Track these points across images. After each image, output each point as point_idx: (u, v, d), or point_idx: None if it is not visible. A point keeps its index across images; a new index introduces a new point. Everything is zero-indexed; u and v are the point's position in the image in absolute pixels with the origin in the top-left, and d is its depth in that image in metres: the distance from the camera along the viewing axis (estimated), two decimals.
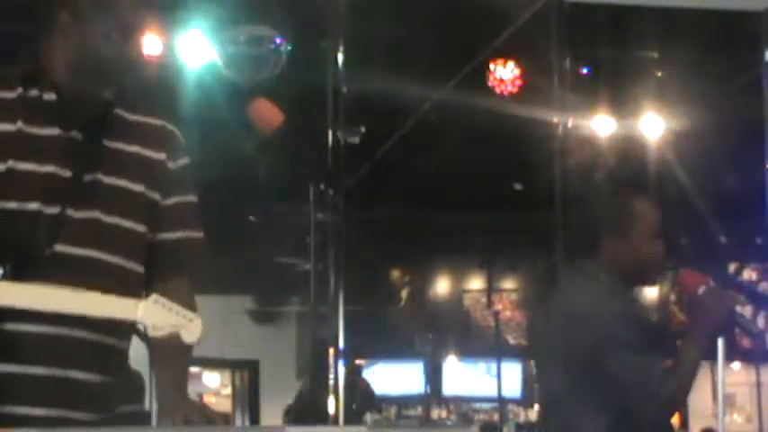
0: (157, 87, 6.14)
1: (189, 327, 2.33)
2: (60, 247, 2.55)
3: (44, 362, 2.54)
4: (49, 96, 2.63)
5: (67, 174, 2.59)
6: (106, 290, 2.51)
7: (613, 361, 3.56)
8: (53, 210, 2.56)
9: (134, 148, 2.67)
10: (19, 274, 2.47)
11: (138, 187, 2.65)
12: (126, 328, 2.60)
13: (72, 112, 2.63)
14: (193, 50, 6.74)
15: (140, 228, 2.66)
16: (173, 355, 2.57)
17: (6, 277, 2.46)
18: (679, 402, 3.63)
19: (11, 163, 2.57)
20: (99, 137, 2.64)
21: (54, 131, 2.61)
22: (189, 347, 2.64)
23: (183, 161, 2.74)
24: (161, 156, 2.70)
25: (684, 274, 3.70)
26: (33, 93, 2.64)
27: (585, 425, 3.64)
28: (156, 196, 2.68)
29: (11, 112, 2.61)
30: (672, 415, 3.66)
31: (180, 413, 2.45)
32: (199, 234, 2.76)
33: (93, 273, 2.55)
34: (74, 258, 2.55)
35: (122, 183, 2.64)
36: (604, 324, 3.61)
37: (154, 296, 2.35)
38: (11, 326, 2.51)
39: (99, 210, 2.60)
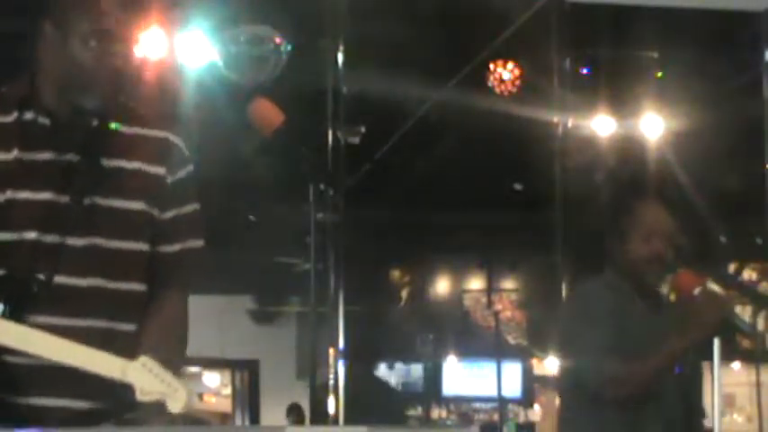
0: (155, 94, 6.13)
1: (174, 396, 2.33)
2: (61, 279, 2.53)
3: (50, 392, 2.53)
4: (44, 120, 2.61)
5: (65, 199, 2.56)
6: (108, 317, 2.54)
7: (565, 340, 3.79)
8: (51, 239, 2.54)
9: (136, 165, 2.65)
10: (20, 309, 2.46)
11: (137, 205, 2.63)
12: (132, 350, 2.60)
13: (66, 135, 2.61)
14: (193, 50, 6.73)
15: (142, 247, 2.64)
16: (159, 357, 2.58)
17: (6, 314, 2.45)
18: (630, 384, 3.65)
19: (9, 194, 2.55)
20: (96, 158, 2.61)
21: (50, 156, 2.59)
22: (181, 348, 2.65)
23: (183, 172, 2.71)
24: (160, 170, 2.67)
25: (680, 274, 3.73)
26: (28, 116, 2.62)
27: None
28: (155, 212, 2.66)
29: (6, 141, 2.59)
30: (622, 395, 3.67)
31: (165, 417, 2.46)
32: (197, 243, 2.74)
33: (95, 301, 2.55)
34: (74, 289, 2.54)
35: (122, 203, 2.61)
36: (581, 311, 3.76)
37: (143, 359, 2.35)
38: (12, 358, 2.50)
39: (98, 235, 2.58)
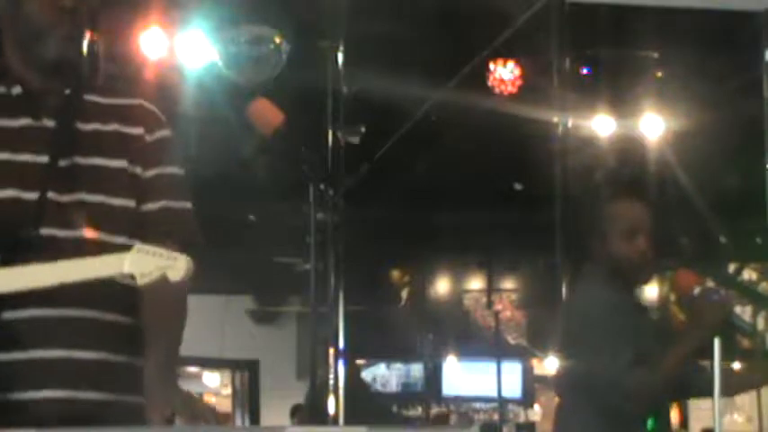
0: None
1: (173, 266, 2.33)
2: (47, 231, 2.56)
3: (46, 344, 2.54)
4: (17, 90, 2.67)
5: (44, 159, 2.60)
6: None
7: (586, 345, 3.70)
8: (32, 195, 2.57)
9: (112, 127, 2.70)
10: (8, 261, 2.48)
11: (119, 163, 2.67)
12: (135, 305, 2.60)
13: (40, 102, 2.67)
14: (193, 50, 6.74)
15: (128, 203, 2.67)
16: (161, 340, 2.58)
17: None
18: (651, 396, 3.66)
19: None
20: (71, 121, 2.66)
21: (26, 122, 2.64)
22: (178, 331, 2.65)
23: (162, 134, 2.76)
24: (138, 131, 2.72)
25: (680, 274, 3.73)
26: (1, 90, 2.68)
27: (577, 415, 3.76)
28: (138, 170, 2.69)
29: None
30: (643, 407, 3.68)
31: (168, 406, 2.45)
32: (183, 204, 2.75)
33: (84, 253, 2.55)
34: (62, 240, 2.57)
35: (102, 161, 2.66)
36: (589, 312, 3.73)
37: (137, 245, 2.37)
38: (12, 313, 2.52)
39: (83, 191, 2.62)
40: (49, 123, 2.65)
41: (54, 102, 2.68)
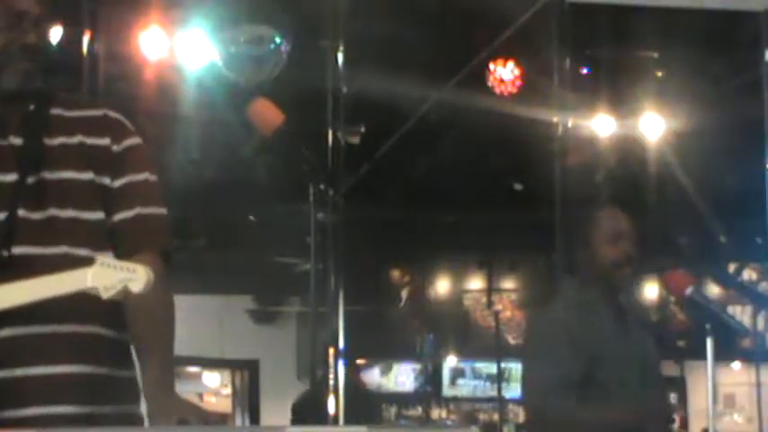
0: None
1: (134, 278, 2.31)
2: (20, 249, 2.54)
3: (26, 362, 2.52)
4: None
5: (12, 178, 2.59)
6: None
7: (525, 362, 3.85)
8: (2, 215, 2.55)
9: (77, 139, 2.67)
10: None
11: (86, 175, 2.64)
12: (116, 317, 2.59)
13: (5, 119, 2.65)
14: (193, 50, 6.74)
15: (98, 215, 2.64)
16: (154, 352, 2.57)
17: None
18: (576, 424, 3.68)
19: None
20: (38, 137, 2.64)
21: None
22: (169, 339, 2.64)
23: (130, 142, 2.72)
24: (105, 141, 2.69)
25: (672, 274, 3.73)
26: None
27: None
28: (107, 181, 2.66)
29: None
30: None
31: (176, 414, 2.44)
32: (157, 210, 2.72)
33: (58, 270, 2.52)
34: (36, 258, 2.54)
35: (69, 174, 2.63)
36: (536, 332, 3.79)
37: (99, 259, 2.35)
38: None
39: (53, 206, 2.59)
40: (16, 141, 2.63)
41: (19, 118, 2.66)
